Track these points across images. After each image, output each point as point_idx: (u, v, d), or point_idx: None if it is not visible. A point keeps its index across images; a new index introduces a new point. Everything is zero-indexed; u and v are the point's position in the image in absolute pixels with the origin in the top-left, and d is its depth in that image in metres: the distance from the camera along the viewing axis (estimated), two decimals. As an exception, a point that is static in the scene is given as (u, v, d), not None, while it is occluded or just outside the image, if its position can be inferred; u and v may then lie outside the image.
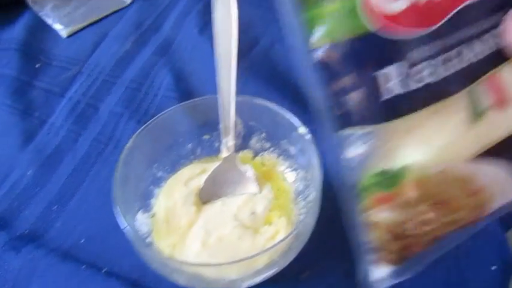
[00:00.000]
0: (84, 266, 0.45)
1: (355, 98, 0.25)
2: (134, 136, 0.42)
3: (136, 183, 0.43)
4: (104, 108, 0.59)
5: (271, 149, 0.47)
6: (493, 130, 0.27)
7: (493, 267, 0.43)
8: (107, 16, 0.70)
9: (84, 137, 0.56)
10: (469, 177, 0.27)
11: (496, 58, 0.26)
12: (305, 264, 0.43)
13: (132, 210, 0.42)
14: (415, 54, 0.25)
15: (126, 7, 0.71)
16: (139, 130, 0.42)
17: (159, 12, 0.71)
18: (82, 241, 0.47)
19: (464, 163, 0.27)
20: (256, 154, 0.48)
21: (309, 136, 0.41)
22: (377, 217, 0.27)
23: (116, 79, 0.62)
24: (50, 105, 0.60)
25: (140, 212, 0.44)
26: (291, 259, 0.40)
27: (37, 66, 0.64)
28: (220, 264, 0.36)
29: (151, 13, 0.70)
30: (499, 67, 0.26)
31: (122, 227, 0.38)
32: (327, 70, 0.25)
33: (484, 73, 0.26)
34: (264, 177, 0.45)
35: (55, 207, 0.50)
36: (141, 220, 0.43)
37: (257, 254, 0.35)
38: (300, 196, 0.44)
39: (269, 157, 0.47)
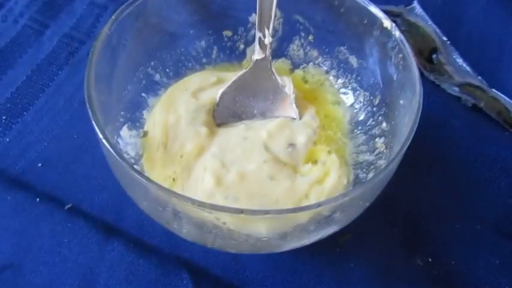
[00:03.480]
0: (38, 199, 0.35)
1: None
2: (114, 16, 0.28)
3: (121, 85, 0.31)
4: (82, -3, 0.45)
5: (320, 59, 0.34)
6: None
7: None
8: None
9: (51, 31, 0.46)
10: None
11: None
12: (348, 225, 0.33)
13: (113, 122, 0.29)
14: None
15: None
16: (122, 7, 0.29)
17: None
18: (39, 165, 0.36)
19: None
20: (296, 66, 0.35)
21: (398, 34, 0.28)
22: None
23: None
24: (8, -14, 0.46)
25: (126, 127, 0.31)
26: (350, 220, 0.28)
27: None
28: (253, 211, 0.23)
29: None
30: None
31: (101, 144, 0.24)
32: None
33: None
34: (306, 99, 0.33)
35: (4, 117, 0.39)
36: (127, 139, 0.31)
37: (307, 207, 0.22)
38: (360, 128, 0.32)
39: (315, 71, 0.35)
